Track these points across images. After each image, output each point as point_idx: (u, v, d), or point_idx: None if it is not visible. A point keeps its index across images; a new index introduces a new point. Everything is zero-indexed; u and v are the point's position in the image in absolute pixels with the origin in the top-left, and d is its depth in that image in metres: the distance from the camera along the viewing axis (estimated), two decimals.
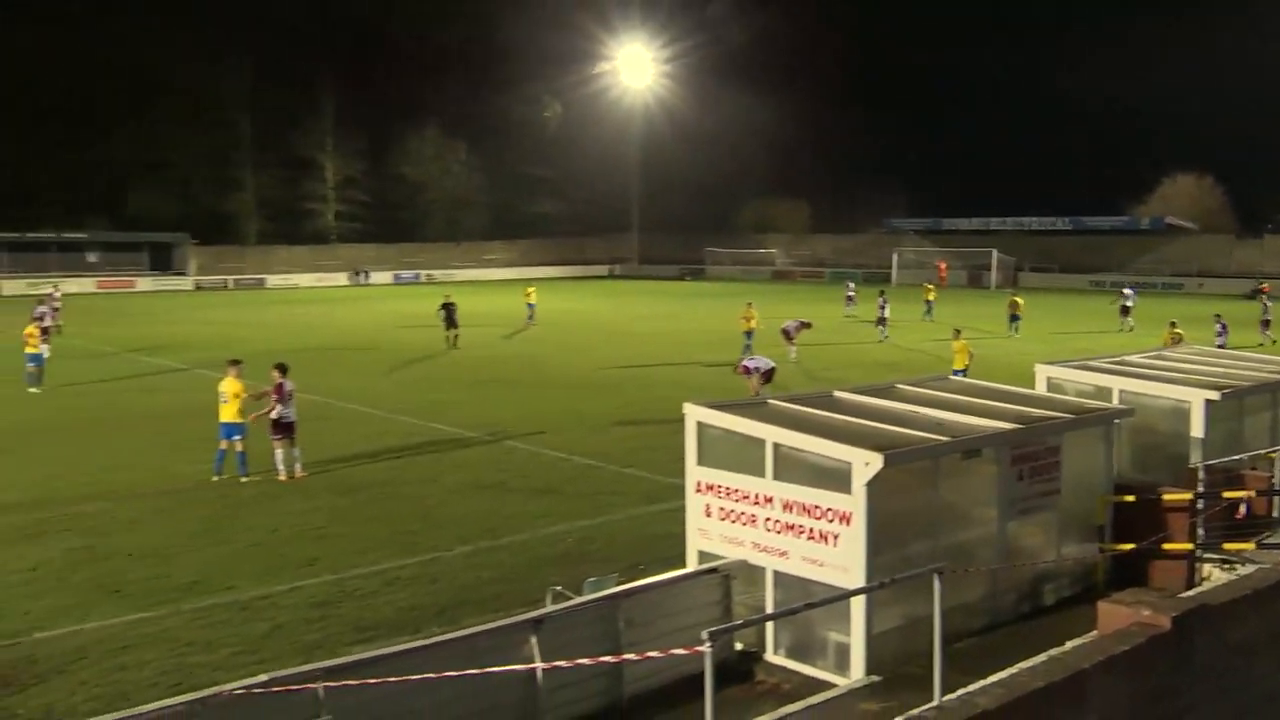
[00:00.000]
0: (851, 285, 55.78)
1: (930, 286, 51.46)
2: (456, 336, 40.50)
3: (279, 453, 18.98)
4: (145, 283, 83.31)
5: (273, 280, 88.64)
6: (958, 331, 29.44)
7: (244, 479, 18.65)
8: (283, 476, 18.84)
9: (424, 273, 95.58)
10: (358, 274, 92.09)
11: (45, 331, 32.73)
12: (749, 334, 36.76)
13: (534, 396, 28.12)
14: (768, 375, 26.17)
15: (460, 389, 30.04)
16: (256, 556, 14.60)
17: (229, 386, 19.03)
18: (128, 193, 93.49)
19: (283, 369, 19.40)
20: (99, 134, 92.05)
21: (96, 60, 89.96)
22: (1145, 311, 49.15)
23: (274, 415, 18.96)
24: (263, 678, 8.30)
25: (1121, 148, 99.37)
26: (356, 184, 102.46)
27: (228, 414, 18.91)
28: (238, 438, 18.80)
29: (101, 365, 35.26)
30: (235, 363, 19.66)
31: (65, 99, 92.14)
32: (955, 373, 26.64)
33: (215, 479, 18.72)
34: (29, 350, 29.88)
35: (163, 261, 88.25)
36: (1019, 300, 46.76)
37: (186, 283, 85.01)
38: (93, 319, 51.85)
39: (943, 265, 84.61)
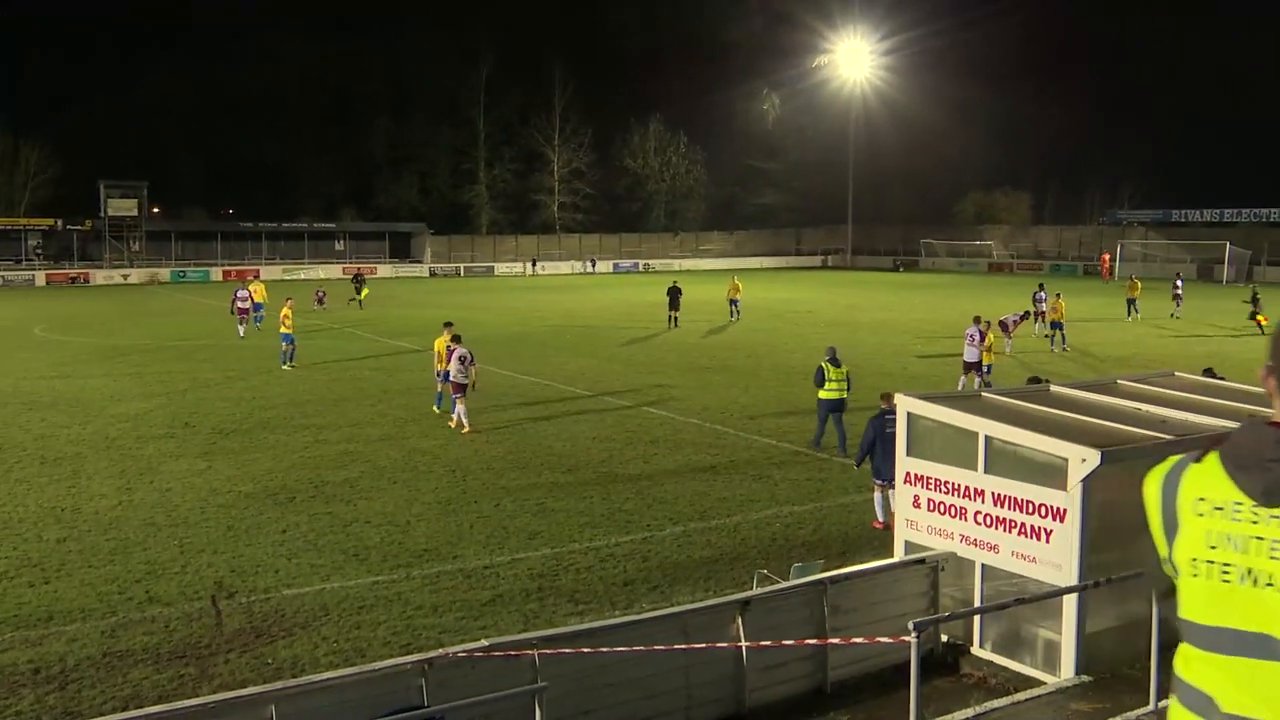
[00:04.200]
0: (1180, 281, 51.91)
1: (1136, 283, 48.63)
2: (677, 318, 43.14)
3: (459, 407, 22.01)
4: (385, 269, 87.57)
5: (500, 268, 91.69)
6: (986, 322, 26.87)
7: (436, 410, 23.36)
8: (451, 424, 22.18)
9: (643, 262, 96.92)
10: (591, 262, 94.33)
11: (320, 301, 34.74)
12: (734, 302, 45.65)
13: (748, 383, 28.12)
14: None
15: (677, 373, 30.31)
16: (482, 528, 15.13)
17: (440, 345, 23.35)
18: (375, 186, 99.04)
19: (456, 338, 22.97)
20: (353, 133, 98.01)
21: (354, 66, 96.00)
22: None
23: (452, 375, 22.17)
24: (484, 642, 8.62)
25: None
26: (582, 176, 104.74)
27: (441, 364, 23.20)
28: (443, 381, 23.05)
29: (349, 345, 37.26)
30: (449, 325, 23.77)
31: (326, 101, 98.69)
32: (986, 369, 25.45)
33: (435, 410, 23.41)
34: (284, 330, 31.84)
35: (401, 250, 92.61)
36: (1138, 283, 48.77)
37: (422, 270, 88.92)
38: (339, 302, 54.82)
39: (1106, 258, 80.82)
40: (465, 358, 22.04)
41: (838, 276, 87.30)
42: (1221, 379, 16.41)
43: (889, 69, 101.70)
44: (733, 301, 46.15)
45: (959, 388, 24.80)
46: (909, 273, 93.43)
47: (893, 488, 14.67)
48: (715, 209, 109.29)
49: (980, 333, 26.20)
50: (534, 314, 50.41)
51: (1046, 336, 37.53)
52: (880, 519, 15.03)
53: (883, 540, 13.13)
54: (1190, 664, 2.73)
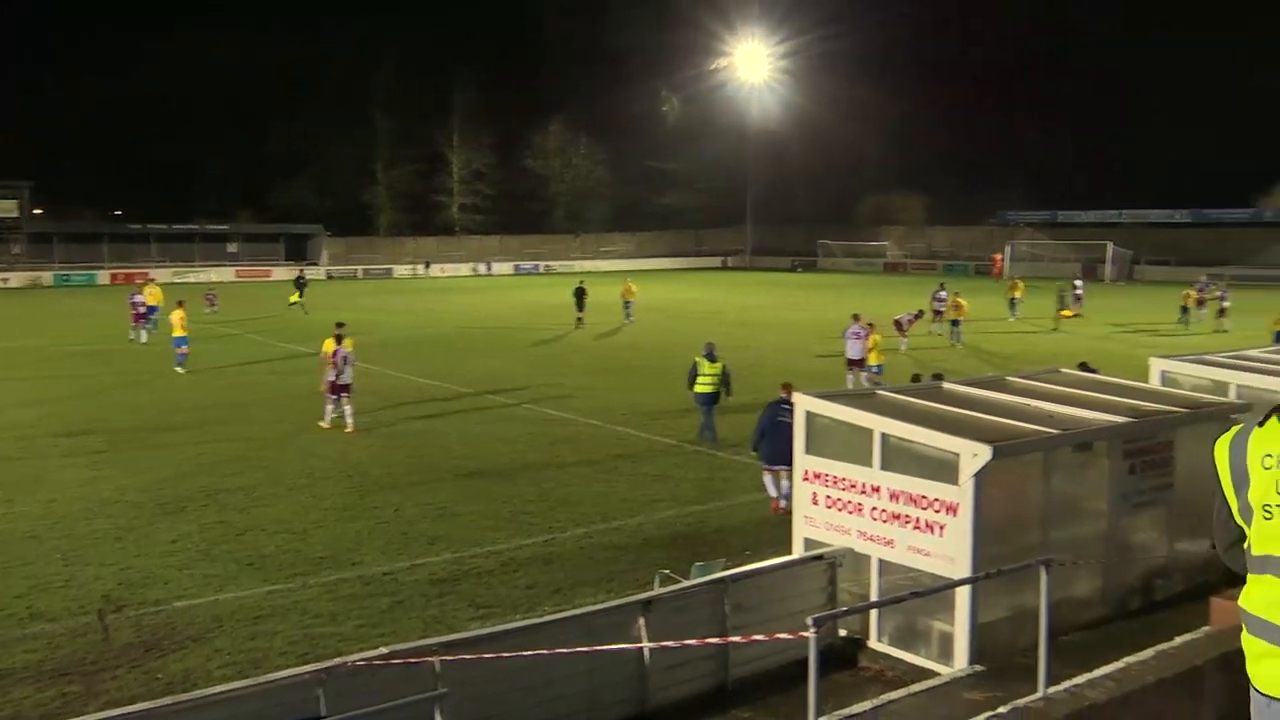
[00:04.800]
0: (1079, 282, 53.02)
1: (1018, 283, 49.86)
2: (583, 319, 43.64)
3: (346, 407, 22.03)
4: (280, 272, 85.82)
5: (399, 270, 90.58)
6: (868, 322, 27.62)
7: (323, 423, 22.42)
8: (324, 425, 22.14)
9: (544, 264, 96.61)
10: (486, 265, 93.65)
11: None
12: (628, 304, 45.69)
13: (650, 383, 28.21)
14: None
15: (580, 374, 30.34)
16: (382, 534, 14.93)
17: (329, 346, 22.56)
18: (272, 187, 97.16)
19: (339, 338, 22.39)
20: (250, 133, 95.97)
21: (252, 64, 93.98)
22: (1253, 306, 47.18)
23: (333, 377, 22.06)
24: (383, 650, 8.48)
25: (1248, 137, 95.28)
26: (483, 177, 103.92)
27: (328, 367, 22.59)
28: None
29: (243, 349, 36.44)
30: (340, 325, 23.20)
31: (222, 101, 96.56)
32: (873, 368, 25.92)
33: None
34: (176, 334, 31.05)
35: (298, 252, 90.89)
36: (1020, 283, 49.56)
37: (319, 272, 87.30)
38: (234, 305, 53.60)
39: (998, 257, 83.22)
40: (347, 358, 22.12)
41: (738, 277, 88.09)
42: (1096, 372, 16.97)
43: (787, 71, 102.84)
44: (627, 303, 46.09)
45: (848, 385, 25.28)
46: (808, 273, 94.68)
47: (783, 471, 15.51)
48: (619, 210, 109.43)
49: (861, 331, 26.79)
50: (434, 316, 49.94)
51: (947, 334, 38.49)
52: (773, 494, 16.00)
53: (784, 538, 13.26)
54: (1255, 597, 3.35)
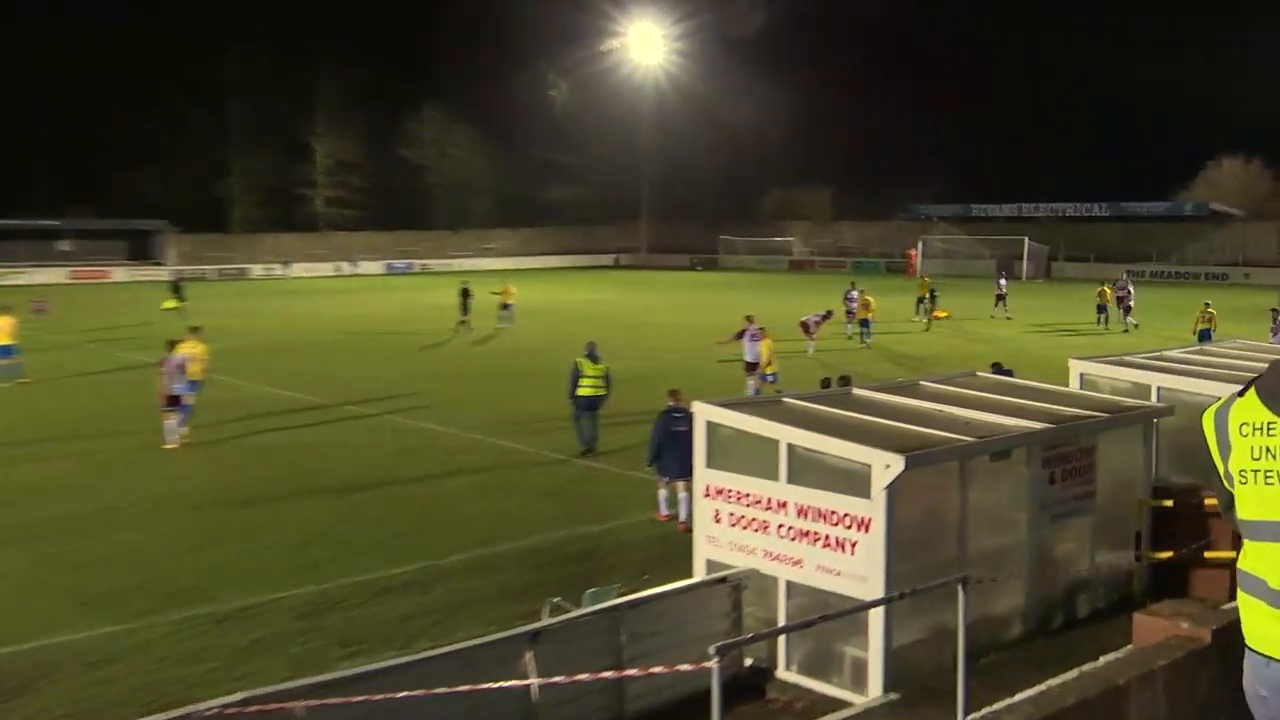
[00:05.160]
0: (1004, 280, 52.98)
1: (926, 281, 50.92)
2: (468, 322, 43.54)
3: (168, 423, 21.80)
4: (120, 273, 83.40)
5: (257, 270, 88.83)
6: (760, 328, 28.20)
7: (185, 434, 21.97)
8: (170, 444, 21.62)
9: (419, 263, 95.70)
10: (351, 263, 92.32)
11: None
12: (507, 305, 44.79)
13: (535, 392, 28.08)
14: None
15: (461, 382, 30.16)
16: (238, 564, 14.58)
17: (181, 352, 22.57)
18: (113, 179, 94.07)
19: (172, 343, 22.76)
20: (88, 119, 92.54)
21: (91, 47, 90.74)
22: (1172, 304, 48.92)
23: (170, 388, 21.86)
24: (239, 696, 8.24)
25: (1165, 130, 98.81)
26: (351, 168, 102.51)
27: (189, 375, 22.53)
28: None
29: (80, 360, 35.31)
30: (195, 330, 24.23)
31: (58, 87, 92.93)
32: (767, 377, 26.38)
33: (184, 433, 22.05)
34: (3, 342, 30.04)
35: (142, 250, 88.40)
36: (928, 281, 50.67)
37: (163, 273, 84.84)
38: (70, 311, 51.95)
39: (912, 253, 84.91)
40: (182, 366, 22.13)
41: (633, 276, 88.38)
42: (1009, 373, 17.38)
43: (683, 54, 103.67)
44: (504, 306, 45.54)
45: (748, 391, 25.55)
46: (708, 271, 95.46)
47: (681, 484, 15.78)
48: (502, 204, 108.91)
49: (757, 332, 27.24)
50: (297, 320, 49.06)
51: (854, 335, 39.16)
52: (664, 511, 16.32)
53: (684, 559, 13.28)
54: (1247, 557, 3.75)
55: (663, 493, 16.38)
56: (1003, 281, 52.40)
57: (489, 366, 34.02)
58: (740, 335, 27.96)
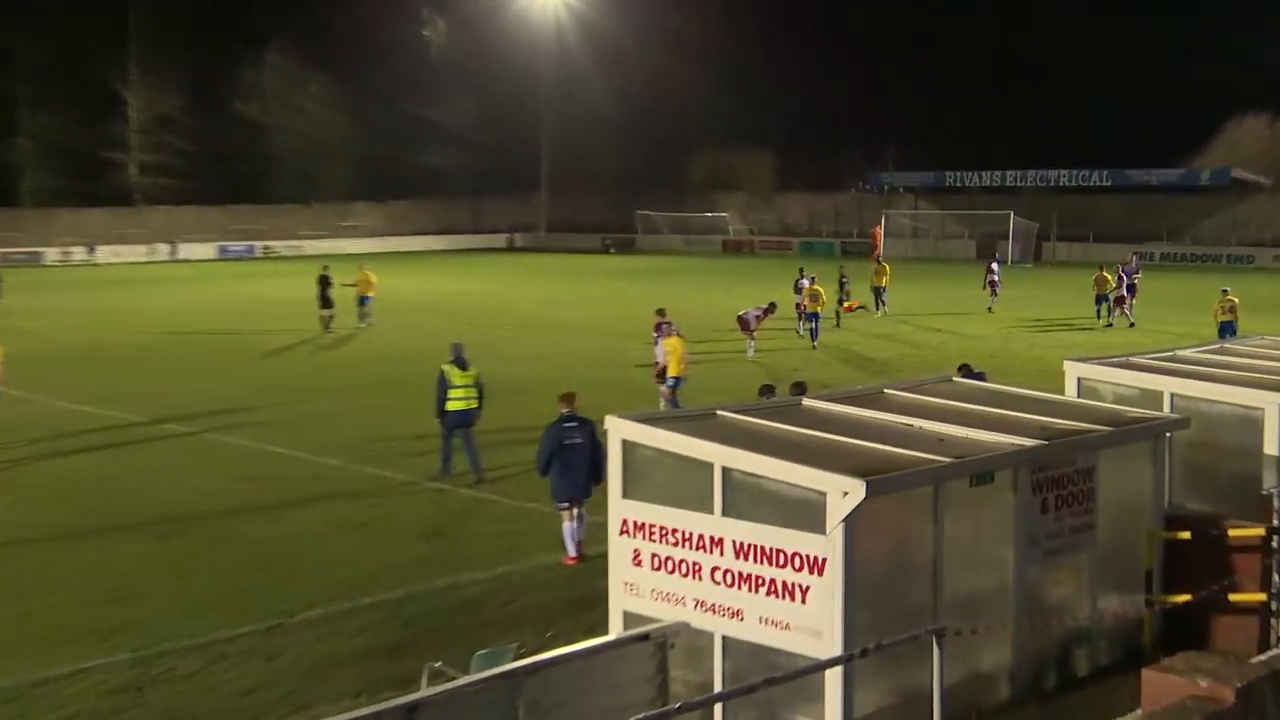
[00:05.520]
0: (996, 265, 53.42)
1: (885, 267, 50.78)
2: (331, 318, 43.31)
3: None
4: None
5: (52, 254, 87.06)
6: (669, 324, 28.69)
7: None
8: None
9: (262, 244, 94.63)
10: (171, 246, 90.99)
11: None
12: (365, 299, 44.32)
13: (407, 406, 27.85)
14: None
15: (315, 396, 30.05)
16: (30, 627, 14.35)
17: None
18: None
19: None
20: None
21: None
22: (1187, 293, 49.97)
23: None
24: None
25: (1177, 83, 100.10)
26: (173, 126, 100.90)
27: None
28: None
29: None
30: None
31: None
32: (671, 382, 26.61)
33: None
34: None
35: None
36: (887, 268, 50.80)
37: None
38: None
39: (877, 231, 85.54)
40: None
41: (530, 261, 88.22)
42: (981, 377, 17.65)
43: None
44: (362, 300, 45.08)
45: (661, 404, 25.95)
46: (624, 255, 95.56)
47: (579, 509, 16.26)
48: (366, 172, 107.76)
49: (663, 327, 27.72)
50: (107, 319, 48.29)
51: (807, 333, 39.43)
52: (571, 553, 16.48)
53: (600, 612, 13.29)
54: None
55: (568, 526, 16.54)
56: (995, 265, 52.58)
57: (349, 376, 33.73)
58: (674, 332, 27.95)
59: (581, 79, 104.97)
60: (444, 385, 21.11)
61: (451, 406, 21.09)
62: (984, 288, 51.26)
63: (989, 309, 49.45)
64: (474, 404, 21.20)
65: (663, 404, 26.16)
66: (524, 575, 16.19)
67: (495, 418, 22.75)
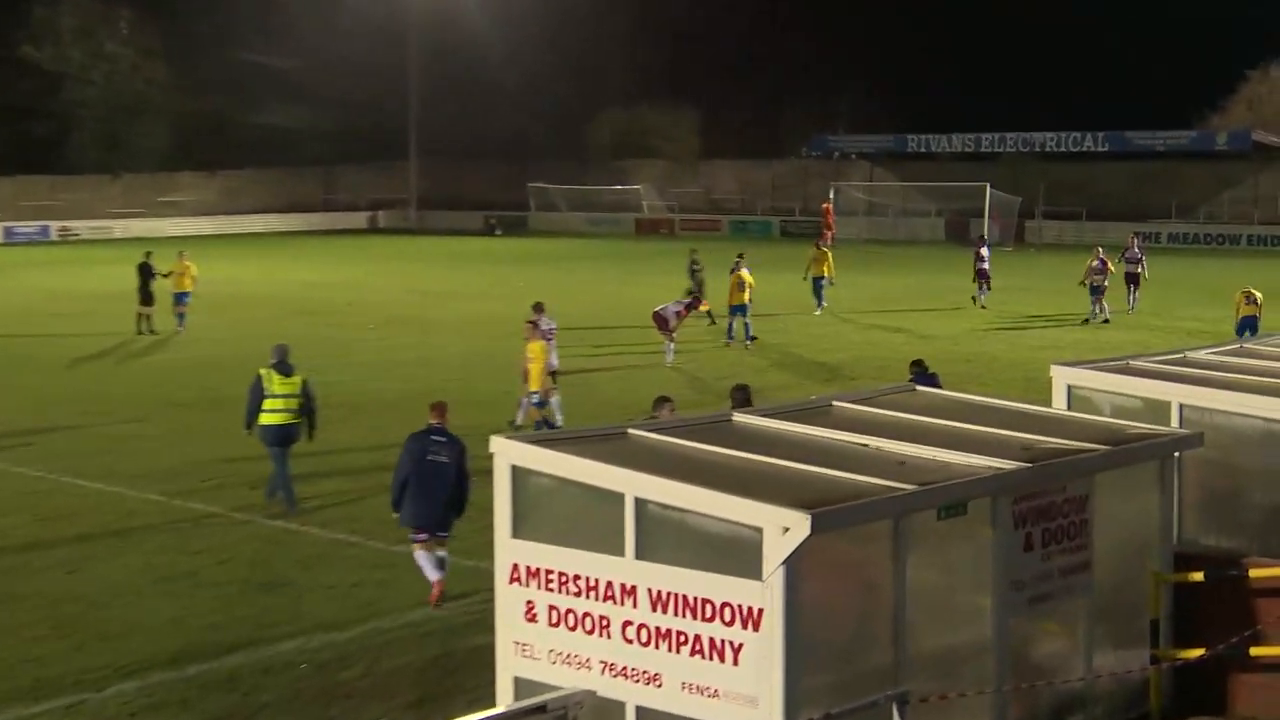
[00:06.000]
0: (986, 249, 52.40)
1: (825, 253, 50.29)
2: (151, 316, 43.27)
3: None
4: None
5: None
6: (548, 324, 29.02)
7: None
8: None
9: (59, 225, 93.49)
10: None
11: None
12: (183, 295, 44.02)
13: (237, 425, 27.66)
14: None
15: (123, 413, 29.86)
16: None
17: None
18: None
19: None
20: None
21: None
22: (1205, 281, 50.66)
23: None
24: None
25: (1188, 29, 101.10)
26: None
27: None
28: None
29: None
30: None
31: None
32: (531, 398, 26.75)
33: None
34: None
35: None
36: (828, 254, 50.68)
37: None
38: None
39: (828, 208, 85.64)
40: None
41: (397, 244, 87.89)
42: (934, 379, 17.79)
43: None
44: (180, 296, 44.46)
45: (516, 415, 26.44)
46: (513, 236, 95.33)
47: (439, 538, 16.70)
48: (190, 135, 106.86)
49: (550, 326, 28.42)
50: None
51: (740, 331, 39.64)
52: (432, 577, 16.83)
53: (484, 678, 13.25)
54: None
55: (419, 554, 16.85)
56: (985, 251, 52.13)
57: (169, 390, 33.34)
58: (540, 335, 27.84)
59: (459, 21, 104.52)
60: (259, 393, 21.29)
61: (267, 420, 21.26)
62: (974, 280, 50.81)
63: (981, 305, 49.46)
64: (295, 418, 21.36)
65: (520, 417, 26.67)
66: (389, 634, 16.09)
67: (353, 438, 22.69)
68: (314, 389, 21.77)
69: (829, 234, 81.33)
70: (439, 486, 16.69)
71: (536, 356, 26.60)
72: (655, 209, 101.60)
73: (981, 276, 50.46)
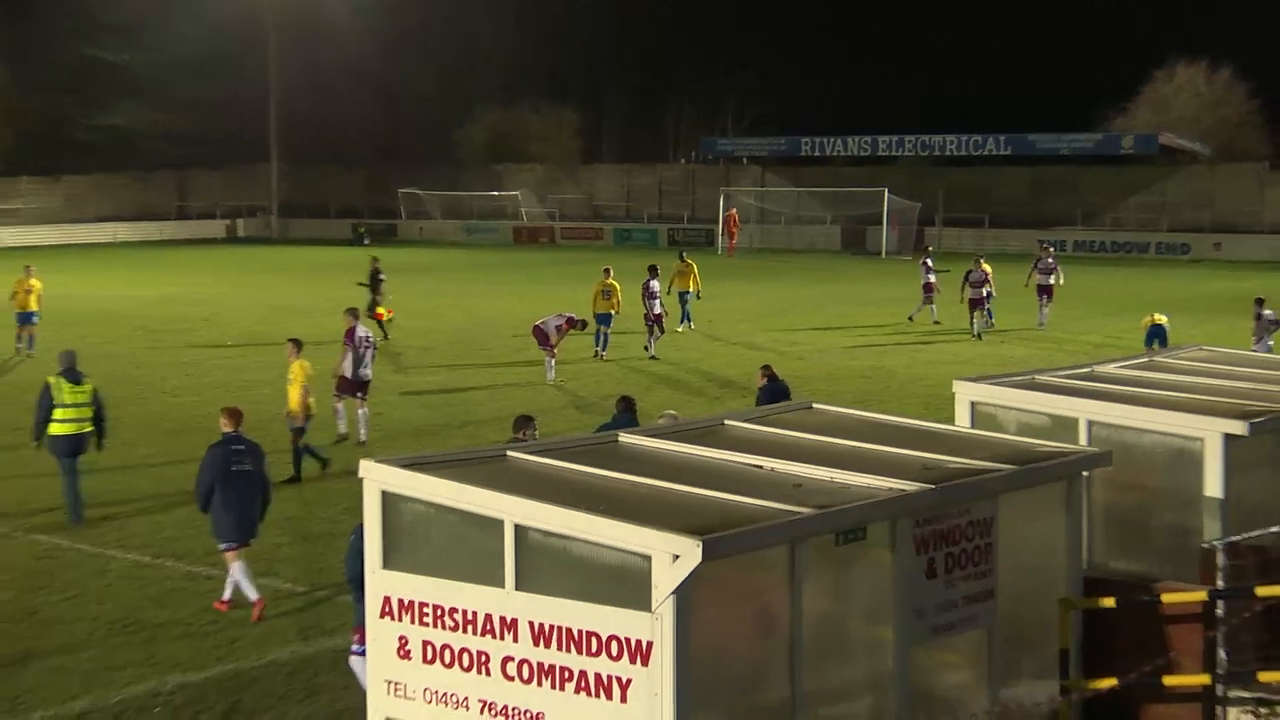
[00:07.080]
0: (929, 261, 52.24)
1: (690, 265, 49.75)
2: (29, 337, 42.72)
3: None
4: None
5: None
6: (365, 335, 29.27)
7: None
8: None
9: None
10: None
11: None
12: (29, 315, 42.66)
13: (106, 457, 27.34)
14: None
15: None
16: None
17: None
18: None
19: None
20: None
21: None
22: (1110, 293, 51.27)
23: None
24: None
25: (1092, 26, 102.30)
26: None
27: None
28: None
29: None
30: None
31: None
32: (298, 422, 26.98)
33: None
34: None
35: None
36: (693, 265, 49.21)
37: None
38: None
39: (734, 215, 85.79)
40: None
41: (257, 255, 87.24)
42: (784, 388, 17.86)
43: None
44: (25, 317, 43.74)
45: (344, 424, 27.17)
46: (383, 246, 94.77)
47: (243, 547, 17.18)
48: (27, 138, 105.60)
49: (367, 337, 29.00)
50: None
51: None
52: (225, 596, 17.53)
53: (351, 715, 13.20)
54: None
55: (237, 566, 17.21)
56: (929, 261, 51.90)
57: (9, 415, 32.87)
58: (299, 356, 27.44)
59: (323, 15, 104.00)
60: (47, 402, 21.55)
61: (57, 430, 21.51)
62: (924, 293, 50.41)
63: (933, 320, 49.28)
64: (86, 426, 21.71)
65: (340, 426, 27.72)
66: (251, 675, 15.94)
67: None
68: (104, 397, 22.27)
69: (732, 244, 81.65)
70: (249, 495, 17.25)
71: (295, 378, 26.17)
72: (534, 216, 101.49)
73: (927, 291, 50.19)
